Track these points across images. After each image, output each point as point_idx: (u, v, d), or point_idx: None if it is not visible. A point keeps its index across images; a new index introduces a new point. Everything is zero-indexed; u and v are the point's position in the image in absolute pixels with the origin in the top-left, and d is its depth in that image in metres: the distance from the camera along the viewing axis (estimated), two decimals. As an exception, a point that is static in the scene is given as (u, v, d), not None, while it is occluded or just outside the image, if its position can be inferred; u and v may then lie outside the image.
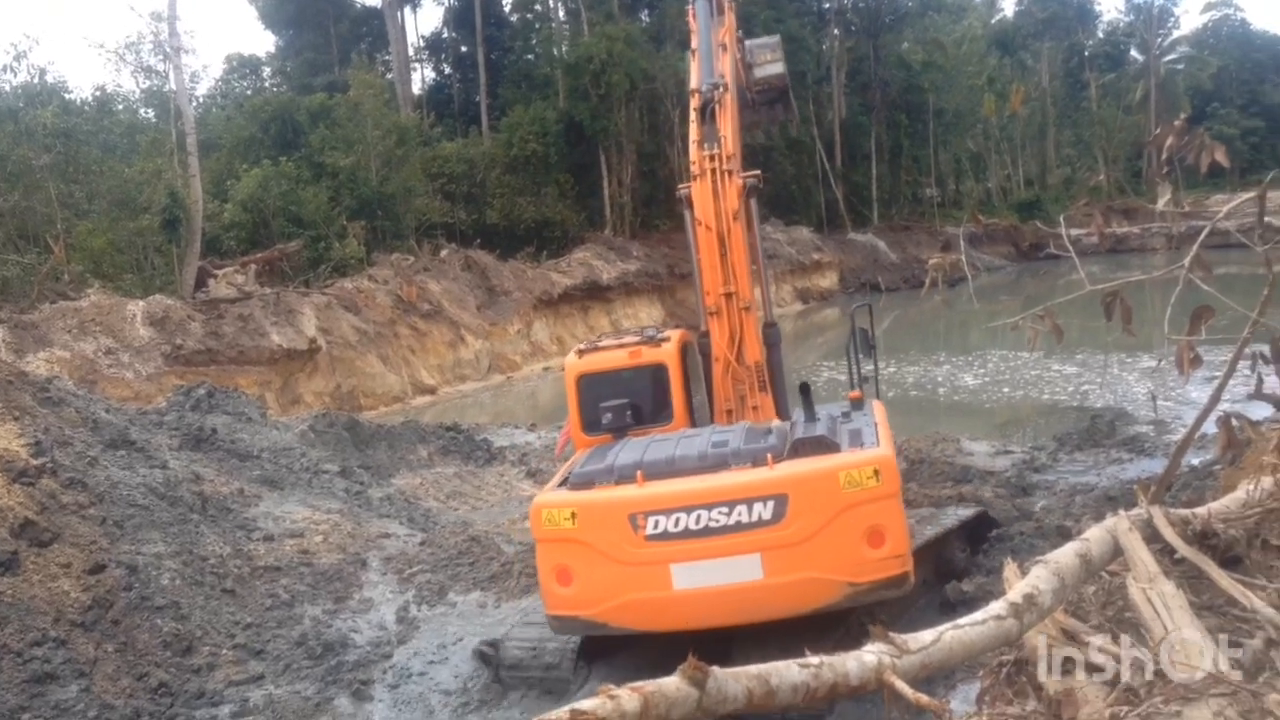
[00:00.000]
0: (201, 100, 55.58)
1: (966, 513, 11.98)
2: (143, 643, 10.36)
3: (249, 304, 29.38)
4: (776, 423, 10.29)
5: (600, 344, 11.37)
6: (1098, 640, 3.68)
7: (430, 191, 44.07)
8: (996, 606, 3.60)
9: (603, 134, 47.24)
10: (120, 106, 44.19)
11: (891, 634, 3.36)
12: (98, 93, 42.14)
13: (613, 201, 48.54)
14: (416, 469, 18.84)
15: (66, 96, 36.58)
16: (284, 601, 11.72)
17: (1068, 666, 3.68)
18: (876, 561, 8.38)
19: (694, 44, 13.45)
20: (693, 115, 11.96)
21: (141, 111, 47.24)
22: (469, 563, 12.82)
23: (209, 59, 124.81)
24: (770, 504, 8.34)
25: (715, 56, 12.88)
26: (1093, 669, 3.60)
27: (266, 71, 61.31)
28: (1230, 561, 4.10)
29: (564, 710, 2.70)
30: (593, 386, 10.75)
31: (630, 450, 9.46)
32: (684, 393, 10.75)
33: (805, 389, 10.23)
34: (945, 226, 60.40)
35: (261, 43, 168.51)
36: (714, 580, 8.37)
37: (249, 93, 56.44)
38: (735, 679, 2.97)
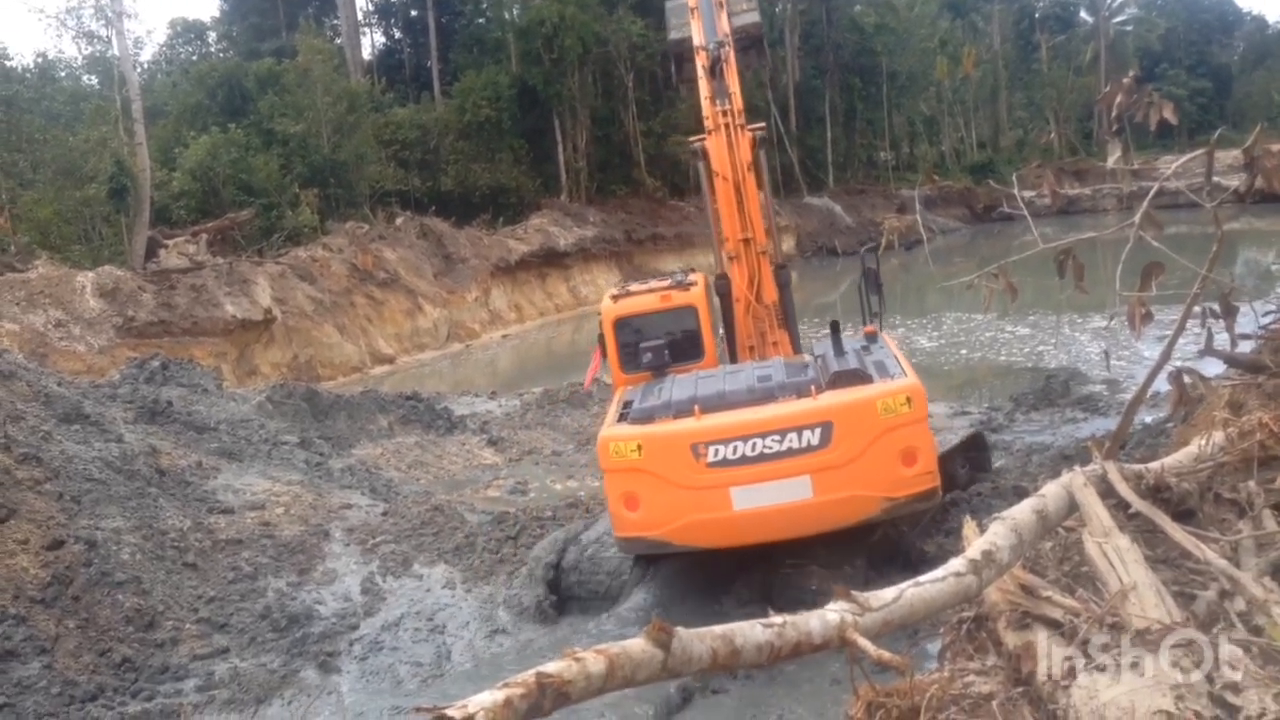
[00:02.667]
0: (146, 66, 54.58)
1: (965, 432, 13.59)
2: (104, 618, 10.29)
3: (201, 274, 28.97)
4: (808, 357, 11.23)
5: (631, 289, 12.28)
6: (1055, 594, 3.75)
7: (383, 158, 43.53)
8: (956, 564, 3.66)
9: (556, 99, 46.84)
10: (63, 73, 43.25)
11: (853, 592, 3.41)
12: (39, 60, 41.27)
13: (568, 167, 48.23)
14: (377, 439, 18.76)
15: (7, 64, 35.73)
16: (246, 574, 11.67)
17: (1026, 621, 3.75)
18: (911, 478, 9.51)
19: (692, 2, 13.83)
20: (700, 72, 12.60)
21: (85, 78, 46.28)
22: (433, 533, 12.82)
23: (153, 24, 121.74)
24: (818, 431, 9.35)
25: (715, 14, 13.42)
26: (1051, 623, 3.67)
27: (212, 37, 60.09)
28: (1183, 515, 4.19)
29: (529, 673, 2.72)
30: (628, 328, 11.65)
31: (682, 386, 10.44)
32: (713, 332, 11.71)
33: (835, 326, 11.41)
34: (900, 189, 60.65)
35: (206, 7, 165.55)
36: (769, 500, 9.35)
37: (195, 59, 55.32)
38: (700, 639, 3.01)
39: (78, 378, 19.11)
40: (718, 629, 3.17)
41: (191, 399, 17.11)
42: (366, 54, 55.72)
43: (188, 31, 59.48)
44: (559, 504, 13.91)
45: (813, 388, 9.76)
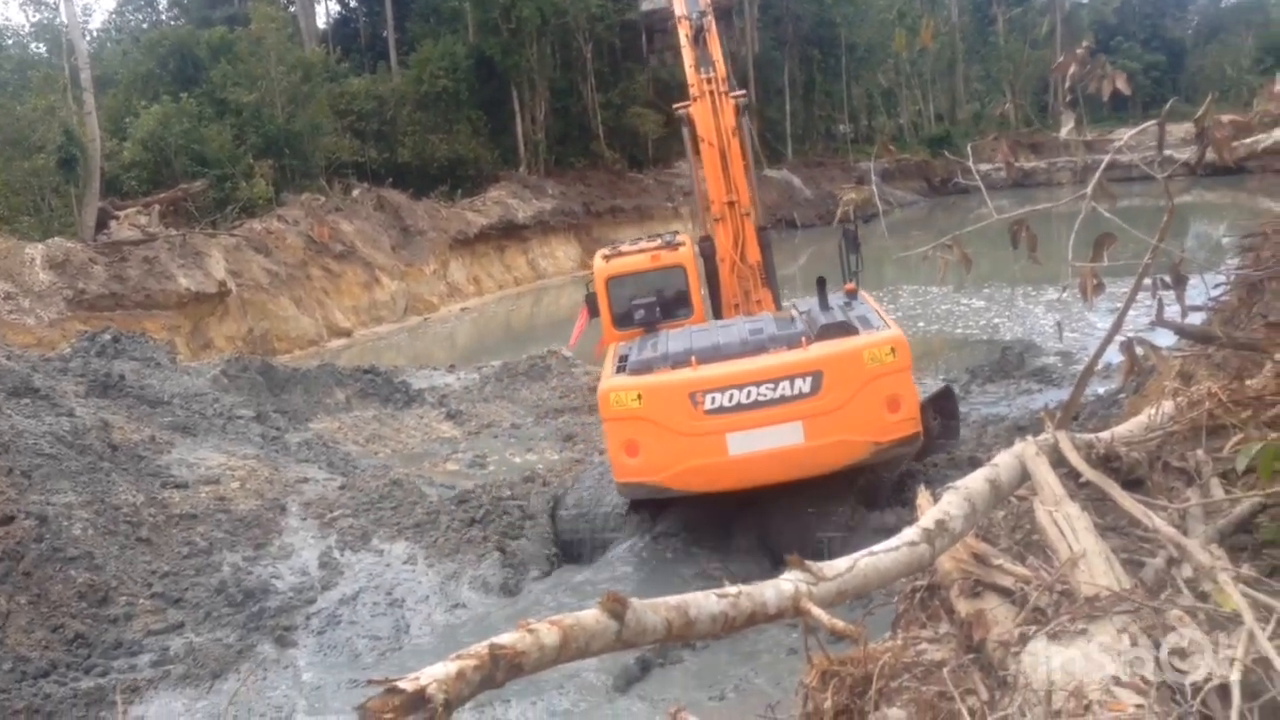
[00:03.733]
0: (95, 34, 53.57)
1: (936, 387, 14.18)
2: (56, 594, 10.17)
3: (153, 246, 28.52)
4: (795, 312, 11.79)
5: (622, 249, 12.88)
6: (1007, 562, 3.79)
7: (339, 129, 42.97)
8: (910, 533, 3.69)
9: (514, 70, 46.42)
10: (9, 41, 42.30)
11: (807, 562, 3.43)
12: (-16, 27, 40.21)
13: (526, 139, 47.87)
14: (334, 413, 18.62)
15: (-49, 32, 34.89)
16: (201, 549, 11.57)
17: (978, 589, 3.78)
18: (895, 424, 10.15)
19: None
20: (684, 41, 13.07)
21: (32, 46, 45.30)
22: (391, 507, 12.76)
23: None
24: (809, 379, 9.95)
25: None
26: (1002, 591, 3.71)
27: (163, 4, 58.82)
28: (1133, 483, 4.23)
29: (483, 645, 2.71)
30: (620, 287, 12.20)
31: (678, 340, 11.04)
32: (700, 290, 12.31)
33: (821, 282, 11.89)
34: (859, 162, 60.73)
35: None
36: (763, 445, 9.93)
37: (145, 26, 54.30)
38: (654, 610, 3.01)
39: (27, 351, 18.76)
40: (672, 599, 3.17)
41: (144, 373, 16.88)
42: (321, 23, 54.91)
43: (138, -1, 58.38)
44: (518, 480, 13.88)
45: (803, 339, 10.42)
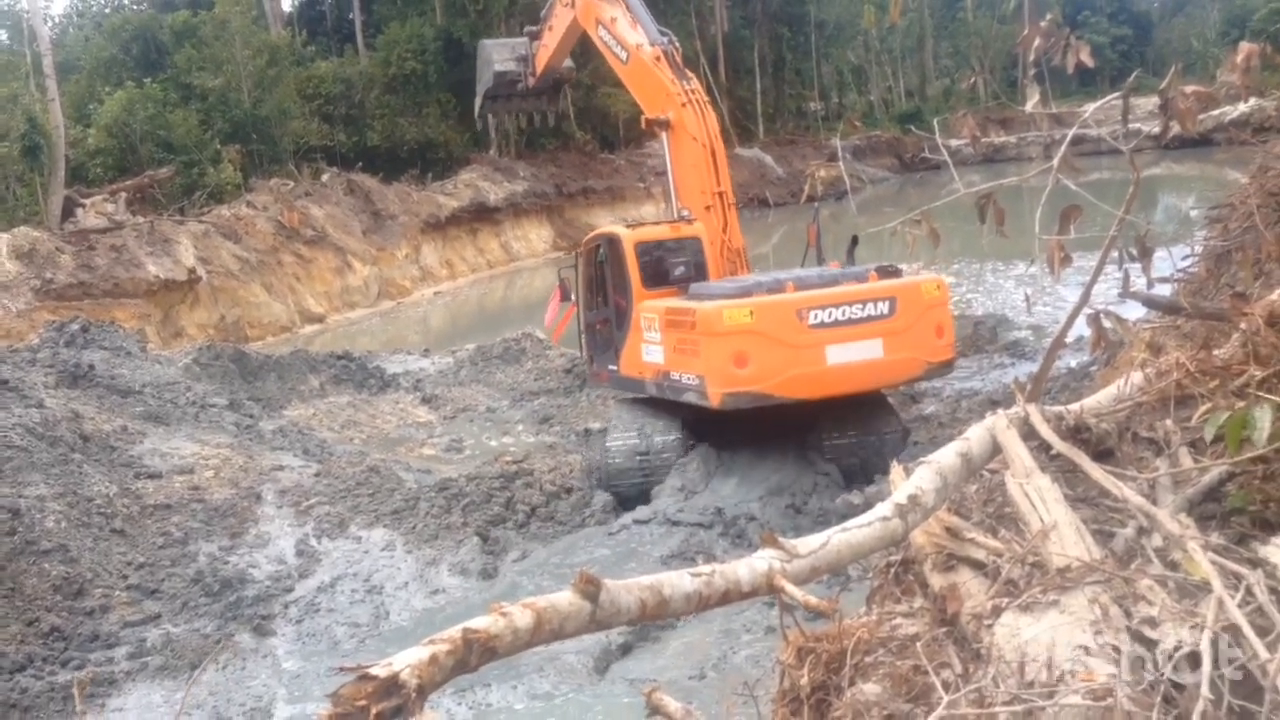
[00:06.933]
0: (58, 20, 52.87)
1: None
2: (31, 587, 10.10)
3: (121, 234, 28.23)
4: (834, 266, 13.45)
5: (643, 223, 15.29)
6: (979, 536, 3.81)
7: (307, 113, 42.62)
8: (882, 508, 3.70)
9: (484, 51, 46.10)
10: (-31, 29, 41.65)
11: (781, 539, 3.43)
12: (-57, 15, 39.60)
13: (497, 121, 47.57)
14: (308, 399, 18.54)
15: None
16: (177, 539, 11.51)
17: (951, 563, 3.80)
18: (942, 347, 12.30)
19: (620, 15, 15.15)
20: (653, 65, 14.29)
21: (-7, 34, 44.64)
22: (369, 494, 12.71)
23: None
24: (887, 303, 11.85)
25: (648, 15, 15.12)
26: (975, 564, 3.72)
27: (126, -12, 58.21)
28: (1102, 454, 4.25)
29: (456, 629, 2.70)
30: (647, 252, 13.47)
31: (757, 277, 12.90)
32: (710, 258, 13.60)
33: (855, 240, 13.94)
34: (830, 139, 60.66)
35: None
36: (853, 357, 11.70)
37: (108, 11, 53.55)
38: (627, 591, 3.01)
39: (-6, 343, 18.58)
40: (646, 579, 3.17)
41: (114, 362, 16.72)
42: (286, 5, 54.30)
43: (100, -17, 57.53)
44: (499, 470, 13.79)
45: (871, 275, 12.29)
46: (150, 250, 28.10)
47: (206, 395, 16.51)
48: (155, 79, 36.77)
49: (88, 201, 31.30)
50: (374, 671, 2.53)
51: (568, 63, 19.00)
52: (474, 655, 2.72)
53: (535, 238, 45.28)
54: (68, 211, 30.83)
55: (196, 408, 15.83)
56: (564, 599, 2.93)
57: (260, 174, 37.01)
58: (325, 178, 37.96)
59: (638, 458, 12.89)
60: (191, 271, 28.57)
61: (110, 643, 9.77)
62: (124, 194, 32.04)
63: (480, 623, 2.76)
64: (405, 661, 2.58)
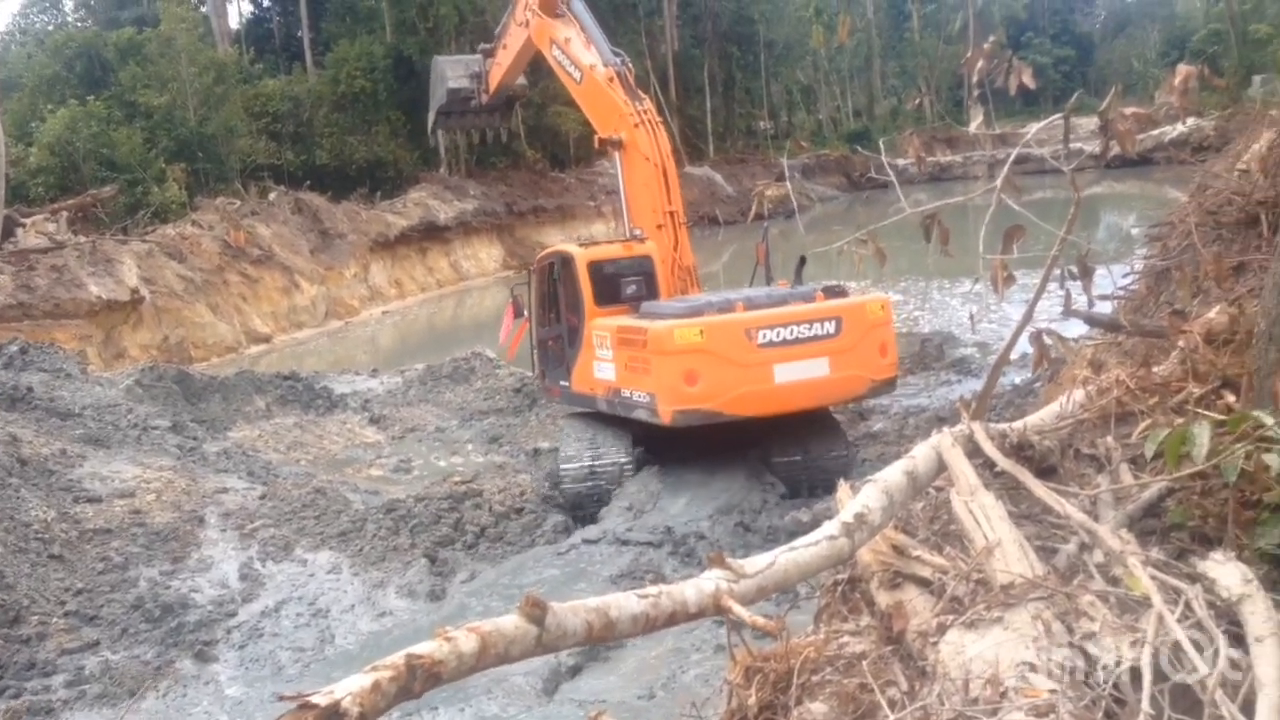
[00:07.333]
0: (-1, 37, 51.93)
1: None
2: (-36, 616, 9.84)
3: (62, 254, 27.73)
4: (782, 285, 13.67)
5: (596, 241, 15.64)
6: (925, 553, 3.83)
7: (254, 132, 42.23)
8: (829, 527, 3.70)
9: (433, 70, 45.99)
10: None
11: (728, 559, 3.42)
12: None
13: (446, 140, 47.45)
14: (254, 420, 18.29)
15: None
16: (117, 564, 11.27)
17: (898, 580, 3.81)
18: (885, 366, 12.55)
19: (573, 36, 15.38)
20: (606, 86, 14.48)
21: (-69, 51, 43.84)
22: (315, 516, 12.54)
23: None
24: (833, 323, 12.10)
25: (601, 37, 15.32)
26: (921, 581, 3.74)
27: (69, 5, 57.49)
28: (1046, 471, 4.29)
29: (399, 655, 2.66)
30: (600, 271, 13.60)
31: (708, 297, 13.10)
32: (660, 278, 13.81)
33: (803, 260, 13.91)
34: (780, 158, 61.24)
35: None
36: (800, 376, 11.95)
37: (50, 28, 52.86)
38: (574, 613, 2.98)
39: (-70, 365, 18.14)
40: (592, 601, 3.14)
41: (54, 384, 16.42)
42: (234, 23, 53.93)
43: (43, 0, 56.78)
44: (447, 490, 13.68)
45: (818, 294, 12.51)
46: (92, 270, 27.65)
47: (149, 417, 16.23)
48: (99, 97, 36.27)
49: (28, 221, 30.69)
50: (315, 700, 2.48)
51: (521, 80, 19.29)
52: (418, 681, 2.68)
53: (485, 256, 45.14)
54: (8, 231, 30.19)
55: (138, 430, 15.56)
56: (510, 623, 2.90)
57: (206, 193, 36.60)
58: (272, 196, 37.61)
59: (589, 469, 13.08)
60: (134, 292, 28.14)
61: (47, 671, 9.53)
62: (66, 213, 31.50)
63: (424, 648, 2.72)
64: (347, 689, 2.54)
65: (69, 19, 55.81)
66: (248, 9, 59.59)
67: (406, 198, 42.63)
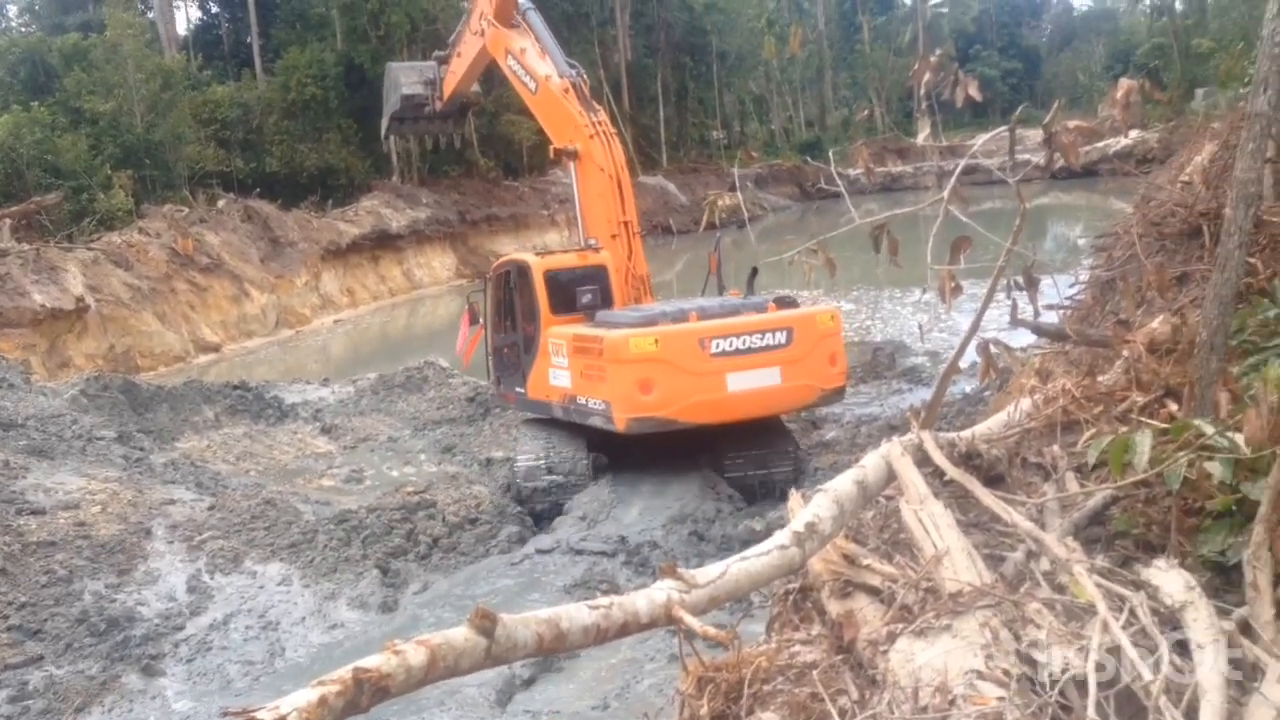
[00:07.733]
0: (-61, 42, 50.89)
1: None
2: (-99, 632, 9.61)
3: (5, 261, 27.19)
4: (734, 294, 13.97)
5: (551, 251, 15.66)
6: (875, 562, 3.85)
7: (203, 139, 41.69)
8: (780, 536, 3.72)
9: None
10: None
11: (680, 569, 3.43)
12: None
13: (399, 147, 47.20)
14: (202, 431, 18.04)
15: None
16: (61, 578, 11.05)
17: (849, 589, 3.83)
18: (834, 375, 12.87)
19: (529, 46, 15.56)
20: (561, 96, 14.63)
21: None
22: (265, 527, 12.37)
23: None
24: (784, 333, 12.33)
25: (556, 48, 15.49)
26: (871, 590, 3.76)
27: (13, 10, 56.45)
28: (994, 480, 4.35)
29: (346, 669, 2.64)
30: (556, 280, 13.78)
31: (661, 306, 13.34)
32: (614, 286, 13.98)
33: (754, 271, 14.11)
34: (732, 168, 61.52)
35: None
36: (752, 384, 12.15)
37: (-7, 34, 51.91)
38: (524, 625, 2.97)
39: None
40: (543, 613, 3.14)
41: (-4, 395, 16.09)
42: (181, 28, 53.23)
43: (-15, 5, 55.77)
44: (400, 501, 13.59)
45: (769, 305, 12.83)
46: (36, 278, 27.16)
47: (94, 428, 15.96)
48: (43, 103, 35.62)
49: (-31, 228, 30.16)
50: (260, 715, 2.46)
51: (475, 88, 19.44)
52: (365, 695, 2.66)
53: (438, 265, 44.92)
54: (-52, 238, 29.67)
55: (83, 441, 15.29)
56: (459, 635, 2.88)
57: (153, 200, 36.06)
58: (221, 204, 37.16)
59: (546, 465, 13.36)
60: (80, 300, 27.68)
61: (-11, 687, 9.34)
62: (9, 220, 30.90)
63: (372, 661, 2.70)
64: (293, 704, 2.51)
65: (12, 24, 54.88)
66: (196, 15, 58.92)
67: (358, 206, 42.32)
